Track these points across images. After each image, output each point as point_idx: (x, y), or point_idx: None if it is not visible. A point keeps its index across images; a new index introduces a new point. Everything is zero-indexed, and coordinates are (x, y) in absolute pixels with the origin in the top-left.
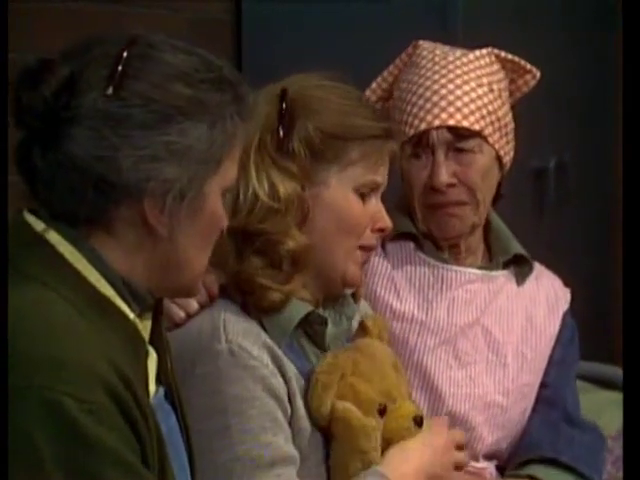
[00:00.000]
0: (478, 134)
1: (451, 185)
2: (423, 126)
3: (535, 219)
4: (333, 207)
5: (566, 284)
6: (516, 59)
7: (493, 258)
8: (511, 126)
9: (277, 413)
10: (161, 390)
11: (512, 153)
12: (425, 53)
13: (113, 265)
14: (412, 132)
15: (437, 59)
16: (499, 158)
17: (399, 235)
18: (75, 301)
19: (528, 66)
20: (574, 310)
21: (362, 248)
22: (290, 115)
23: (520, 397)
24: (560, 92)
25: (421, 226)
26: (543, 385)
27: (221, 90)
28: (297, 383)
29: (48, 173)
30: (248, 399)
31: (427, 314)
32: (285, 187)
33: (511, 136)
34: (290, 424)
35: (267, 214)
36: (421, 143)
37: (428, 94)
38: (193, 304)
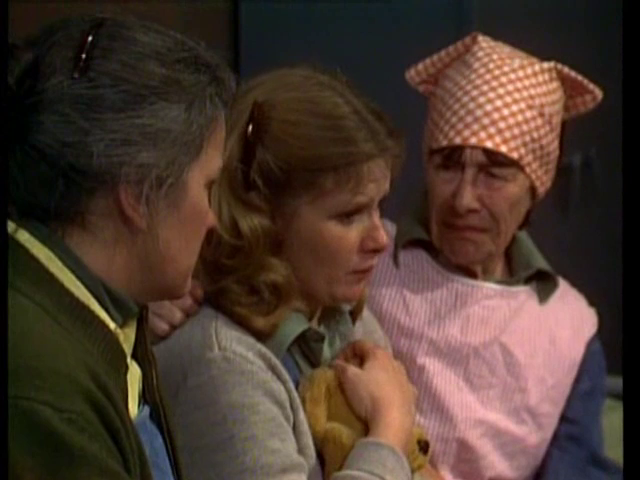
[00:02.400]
0: (515, 162)
1: (473, 210)
2: (458, 140)
3: (559, 219)
4: (306, 238)
5: (592, 287)
6: (579, 78)
7: (514, 272)
8: (554, 155)
9: (281, 419)
10: (146, 409)
11: (549, 183)
12: (481, 54)
13: (91, 265)
14: (445, 143)
15: (491, 66)
16: (533, 188)
17: (412, 242)
18: (50, 308)
19: (590, 86)
20: (599, 316)
21: (353, 272)
22: (252, 143)
23: (537, 427)
24: None
25: (435, 242)
26: (569, 420)
27: (198, 70)
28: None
29: (15, 168)
30: (249, 405)
31: (438, 332)
32: (247, 223)
33: (551, 165)
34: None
35: (232, 252)
36: (452, 157)
37: (472, 106)
38: (176, 314)
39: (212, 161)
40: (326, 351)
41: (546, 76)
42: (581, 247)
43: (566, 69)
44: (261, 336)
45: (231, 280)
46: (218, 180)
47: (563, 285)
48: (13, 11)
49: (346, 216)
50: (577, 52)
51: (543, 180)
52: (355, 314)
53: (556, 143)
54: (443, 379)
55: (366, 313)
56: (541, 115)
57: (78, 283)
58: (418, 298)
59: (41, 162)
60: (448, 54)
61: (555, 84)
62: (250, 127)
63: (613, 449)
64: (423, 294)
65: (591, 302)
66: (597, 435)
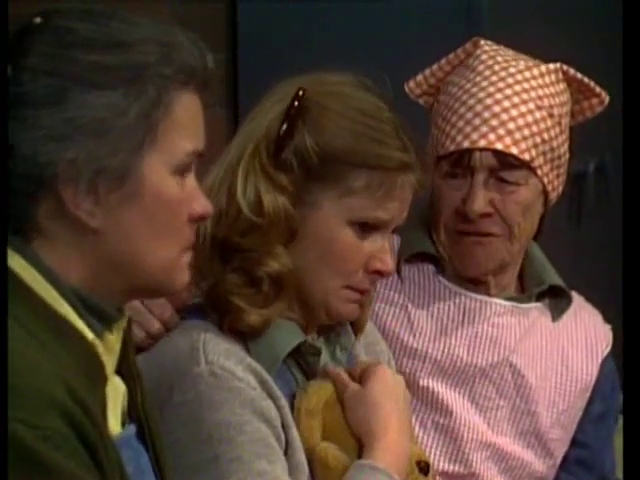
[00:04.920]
0: (526, 164)
1: (485, 215)
2: (466, 144)
3: (572, 227)
4: (320, 235)
5: (606, 298)
6: (585, 80)
7: (526, 289)
8: (565, 158)
9: (270, 439)
10: (131, 427)
11: (561, 188)
12: (485, 57)
13: (58, 272)
14: (452, 148)
15: (497, 68)
16: (545, 192)
17: (417, 255)
18: (25, 321)
19: (597, 89)
20: (613, 329)
21: (351, 288)
22: (293, 122)
23: (546, 453)
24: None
25: (443, 253)
26: (579, 444)
27: (140, 52)
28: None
29: None
30: (236, 424)
31: (443, 352)
32: (271, 201)
33: (563, 169)
34: (286, 456)
35: (249, 229)
36: (460, 162)
37: (479, 108)
38: (154, 324)
39: (175, 145)
40: (327, 364)
41: (553, 77)
42: (595, 256)
43: (572, 70)
44: (252, 334)
45: (231, 267)
46: (248, 154)
47: (577, 300)
48: (13, 11)
49: (364, 228)
50: (588, 53)
51: (555, 184)
52: (357, 328)
53: (566, 146)
54: (447, 400)
55: (368, 324)
56: (551, 116)
57: (55, 293)
58: (423, 314)
59: None
60: (448, 62)
61: (562, 86)
62: (295, 106)
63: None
64: (429, 310)
65: (605, 314)
66: (609, 460)
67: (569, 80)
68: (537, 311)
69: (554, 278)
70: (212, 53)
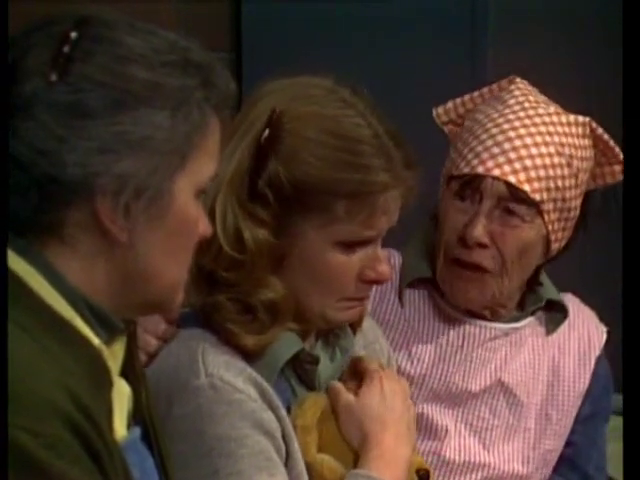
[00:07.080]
0: (535, 205)
1: (482, 245)
2: (480, 169)
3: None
4: (308, 260)
5: (614, 305)
6: (611, 143)
7: (525, 306)
8: (575, 213)
9: (271, 452)
10: (137, 430)
11: (564, 243)
12: (517, 93)
13: (71, 280)
14: (466, 170)
15: (526, 105)
16: (547, 241)
17: (418, 281)
18: (28, 326)
19: (621, 156)
20: (617, 331)
21: (347, 299)
22: (265, 152)
23: (542, 464)
24: (605, 92)
25: (439, 280)
26: (567, 443)
27: (186, 74)
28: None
29: None
30: (236, 438)
31: (440, 379)
32: (251, 236)
33: (570, 224)
34: (287, 467)
35: (232, 265)
36: (471, 186)
37: (500, 138)
38: (151, 342)
39: (202, 169)
40: (327, 367)
41: (580, 130)
42: (601, 259)
43: (600, 130)
44: (251, 356)
45: (225, 296)
46: (225, 187)
47: (573, 305)
48: (13, 11)
49: (351, 245)
50: (593, 55)
51: (558, 236)
52: (354, 327)
53: (578, 202)
54: (440, 423)
55: (366, 323)
56: (569, 165)
57: (60, 298)
58: (422, 340)
59: (15, 170)
60: (481, 95)
61: (587, 141)
62: (265, 135)
63: None
64: (428, 335)
65: (609, 318)
66: (596, 458)
67: (595, 139)
68: (529, 327)
69: (551, 292)
70: (216, 53)
